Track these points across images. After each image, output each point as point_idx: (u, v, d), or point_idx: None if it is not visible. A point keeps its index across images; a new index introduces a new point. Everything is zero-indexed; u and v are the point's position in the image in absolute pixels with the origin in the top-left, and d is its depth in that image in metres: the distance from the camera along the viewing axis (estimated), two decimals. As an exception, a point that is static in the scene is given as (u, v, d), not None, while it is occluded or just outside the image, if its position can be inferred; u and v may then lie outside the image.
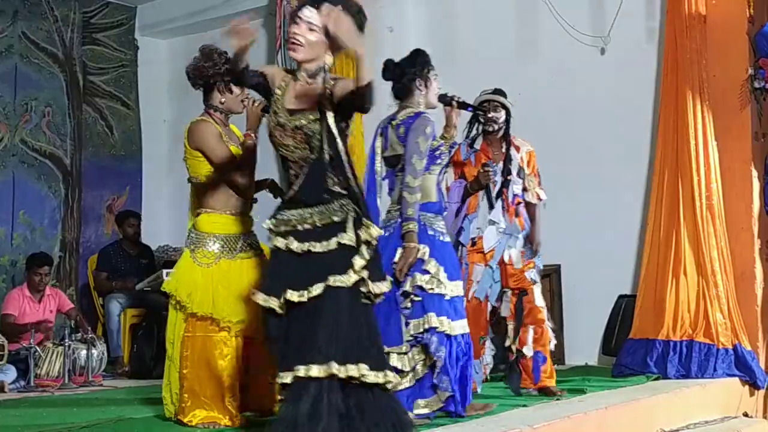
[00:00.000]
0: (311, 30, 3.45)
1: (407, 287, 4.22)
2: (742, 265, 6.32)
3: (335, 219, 3.40)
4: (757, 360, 6.12)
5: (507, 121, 5.37)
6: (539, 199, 5.42)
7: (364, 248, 3.37)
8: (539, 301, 5.29)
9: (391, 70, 4.51)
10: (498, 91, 5.41)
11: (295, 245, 3.41)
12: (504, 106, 5.36)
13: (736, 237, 6.30)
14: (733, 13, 6.43)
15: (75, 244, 8.53)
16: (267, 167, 4.30)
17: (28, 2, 8.32)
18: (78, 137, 8.64)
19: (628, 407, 4.94)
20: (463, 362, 4.28)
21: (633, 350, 6.22)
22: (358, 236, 3.37)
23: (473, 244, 5.24)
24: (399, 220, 4.29)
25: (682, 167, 6.30)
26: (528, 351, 5.21)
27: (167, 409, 4.27)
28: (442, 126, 4.66)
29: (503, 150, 5.36)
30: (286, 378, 3.26)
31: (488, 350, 5.34)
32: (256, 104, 4.24)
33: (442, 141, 4.49)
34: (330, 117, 3.41)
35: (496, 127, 5.35)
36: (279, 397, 3.49)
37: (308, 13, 3.44)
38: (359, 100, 3.30)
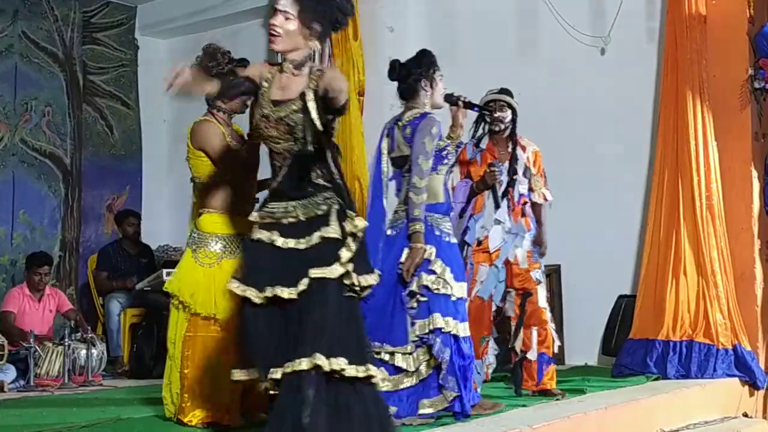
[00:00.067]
0: (287, 19, 3.41)
1: (413, 287, 4.23)
2: (742, 265, 6.32)
3: (318, 212, 3.37)
4: (757, 360, 6.12)
5: (513, 120, 5.37)
6: (545, 199, 5.42)
7: (350, 240, 3.34)
8: (543, 302, 5.28)
9: (397, 70, 4.51)
10: (504, 91, 5.40)
11: (280, 241, 3.39)
12: (510, 106, 5.35)
13: (736, 237, 6.30)
14: (733, 14, 6.43)
15: (75, 244, 8.53)
16: (269, 167, 4.30)
17: (29, 2, 8.32)
18: (78, 137, 8.64)
19: (628, 407, 4.94)
20: (466, 363, 4.29)
21: (633, 350, 6.22)
22: (343, 228, 3.33)
23: (479, 243, 5.24)
24: (406, 220, 4.31)
25: (682, 167, 6.30)
26: (532, 354, 5.20)
27: (167, 409, 4.27)
28: (449, 126, 4.66)
29: (509, 150, 5.36)
30: (276, 374, 3.24)
31: (491, 350, 5.33)
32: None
33: (449, 141, 4.50)
34: (313, 109, 3.37)
35: (503, 126, 5.35)
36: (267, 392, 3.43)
37: (283, 2, 3.41)
38: (331, 104, 3.28)
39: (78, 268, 8.51)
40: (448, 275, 4.28)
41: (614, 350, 6.55)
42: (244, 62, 4.37)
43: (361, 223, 3.37)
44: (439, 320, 4.20)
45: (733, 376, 5.97)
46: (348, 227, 3.35)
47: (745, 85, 6.36)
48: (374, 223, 4.38)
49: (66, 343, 6.35)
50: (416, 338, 4.23)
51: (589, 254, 6.74)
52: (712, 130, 6.31)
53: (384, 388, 4.19)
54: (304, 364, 3.16)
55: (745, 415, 5.98)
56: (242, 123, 4.44)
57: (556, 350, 5.36)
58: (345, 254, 3.30)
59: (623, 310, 6.70)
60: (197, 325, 4.12)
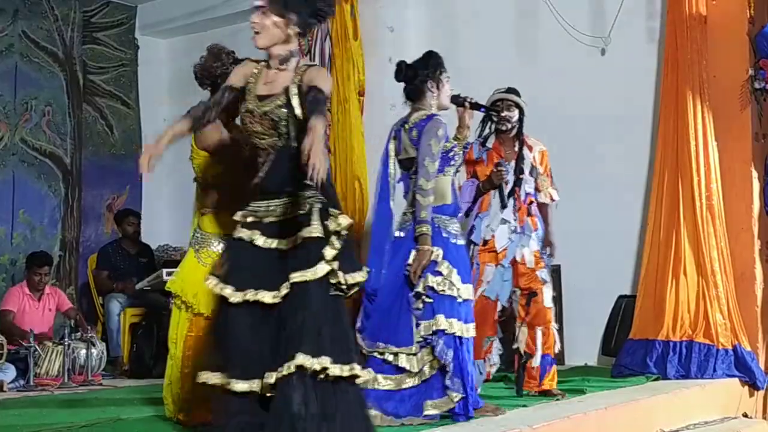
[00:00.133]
0: (264, 14, 3.40)
1: (419, 288, 4.24)
2: (742, 265, 6.32)
3: (300, 211, 3.32)
4: (757, 361, 6.12)
5: (520, 120, 5.37)
6: (552, 199, 5.41)
7: (334, 238, 3.30)
8: (548, 302, 5.27)
9: (403, 71, 4.52)
10: (511, 90, 5.40)
11: (261, 240, 3.36)
12: (518, 105, 5.35)
13: (736, 237, 6.30)
14: (733, 14, 6.43)
15: (75, 244, 8.53)
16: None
17: (29, 1, 8.32)
18: (78, 136, 8.64)
19: (628, 407, 4.94)
20: (469, 365, 4.30)
21: (633, 350, 6.22)
22: (325, 227, 3.29)
23: (485, 243, 5.23)
24: (413, 222, 4.32)
25: (683, 167, 6.30)
26: (537, 356, 5.20)
27: (167, 409, 4.27)
28: (455, 127, 4.67)
29: (515, 149, 5.35)
30: (271, 378, 3.22)
31: (495, 350, 5.32)
32: None
33: (455, 142, 4.51)
34: (297, 104, 3.34)
35: (510, 126, 5.34)
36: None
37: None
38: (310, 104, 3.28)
39: (78, 268, 8.50)
40: (455, 277, 4.29)
41: (614, 350, 6.55)
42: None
43: (344, 221, 3.34)
44: (442, 321, 4.21)
45: (733, 376, 5.97)
46: (331, 225, 3.31)
47: (746, 86, 6.36)
48: (380, 225, 4.41)
49: (66, 343, 6.36)
50: (421, 339, 4.24)
51: (589, 254, 6.74)
52: (713, 131, 6.31)
53: (386, 387, 4.20)
54: (292, 366, 3.15)
55: (745, 415, 5.98)
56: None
57: (557, 351, 5.36)
58: (329, 252, 3.27)
59: (623, 310, 6.70)
60: (199, 325, 4.12)
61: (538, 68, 7.12)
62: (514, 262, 5.21)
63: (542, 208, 5.40)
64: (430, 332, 4.22)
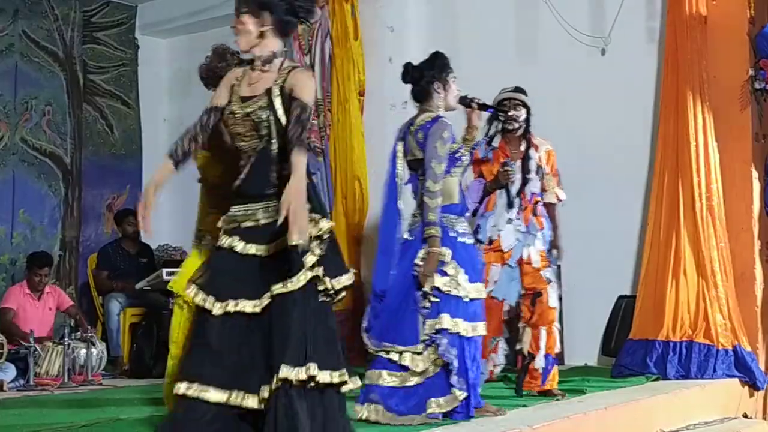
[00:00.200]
0: (240, 16, 3.38)
1: (426, 288, 4.24)
2: (742, 265, 6.32)
3: (278, 217, 3.20)
4: (757, 361, 6.12)
5: (527, 119, 5.37)
6: (558, 199, 5.41)
7: (314, 244, 3.23)
8: (553, 302, 5.27)
9: (410, 73, 4.52)
10: (518, 89, 5.40)
11: (239, 246, 3.31)
12: (525, 104, 5.35)
13: (736, 238, 6.30)
14: (733, 14, 6.42)
15: (75, 243, 8.53)
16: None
17: (29, 1, 8.32)
18: (78, 136, 8.64)
19: (628, 408, 4.94)
20: (474, 365, 4.31)
21: (633, 351, 6.22)
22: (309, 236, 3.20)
23: (490, 243, 5.23)
24: (421, 224, 4.33)
25: (683, 168, 6.30)
26: (540, 356, 5.20)
27: (168, 409, 4.26)
28: (463, 128, 4.67)
29: (521, 148, 5.35)
30: (264, 392, 3.18)
31: (501, 350, 5.31)
32: None
33: (462, 144, 4.52)
34: (279, 106, 3.30)
35: (517, 125, 5.35)
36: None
37: (236, 2, 3.41)
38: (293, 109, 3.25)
39: (78, 268, 8.51)
40: (462, 277, 4.30)
41: (614, 350, 6.55)
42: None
43: (325, 224, 3.27)
44: (446, 321, 4.22)
45: (733, 376, 5.97)
46: (312, 231, 3.23)
47: (746, 86, 6.36)
48: (388, 225, 4.42)
49: (66, 343, 6.36)
50: (426, 337, 4.25)
51: (589, 254, 6.73)
52: (713, 131, 6.31)
53: (390, 384, 4.22)
54: (277, 380, 3.11)
55: (745, 415, 5.98)
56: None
57: (557, 351, 5.36)
58: (309, 260, 3.22)
59: (623, 310, 6.70)
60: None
61: (538, 68, 7.12)
62: (520, 262, 5.21)
63: (549, 208, 5.39)
64: (434, 331, 4.23)
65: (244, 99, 3.37)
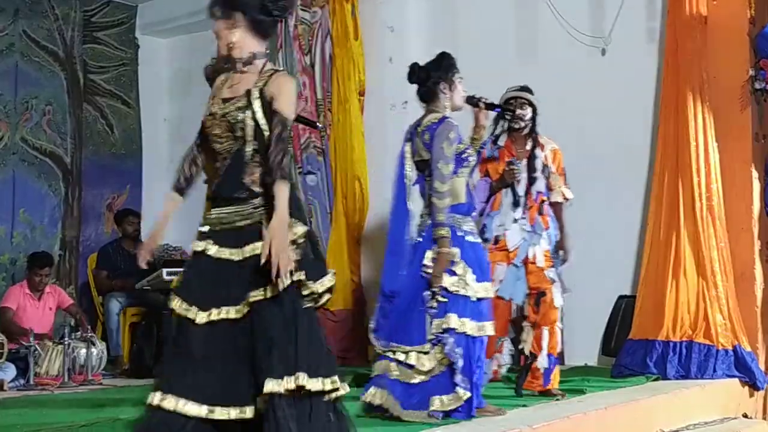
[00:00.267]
0: (216, 20, 3.34)
1: (436, 288, 4.25)
2: (742, 265, 6.32)
3: (249, 222, 3.20)
4: (757, 361, 6.12)
5: (533, 118, 5.37)
6: (565, 198, 5.40)
7: (290, 249, 3.13)
8: (557, 301, 5.27)
9: (416, 73, 4.53)
10: (524, 88, 5.40)
11: (213, 250, 3.24)
12: (531, 103, 5.35)
13: (736, 238, 6.30)
14: (733, 14, 6.42)
15: (75, 243, 8.53)
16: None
17: (29, 1, 8.32)
18: (78, 136, 8.64)
19: (628, 408, 4.94)
20: (478, 365, 4.32)
21: (633, 351, 6.22)
22: None
23: (496, 242, 5.23)
24: (428, 223, 4.34)
25: (683, 168, 6.30)
26: (543, 356, 5.20)
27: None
28: (471, 127, 4.67)
29: (527, 147, 5.35)
30: (259, 402, 3.13)
31: (506, 350, 5.31)
32: None
33: (468, 144, 4.52)
34: (258, 108, 3.24)
35: (523, 124, 5.35)
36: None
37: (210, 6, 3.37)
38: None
39: (78, 267, 8.50)
40: (470, 276, 4.32)
41: (614, 350, 6.55)
42: None
43: (300, 229, 3.19)
44: (453, 320, 4.23)
45: (733, 376, 5.97)
46: (288, 235, 3.13)
47: (746, 86, 6.35)
48: (397, 226, 4.44)
49: (66, 342, 6.36)
50: (432, 336, 4.26)
51: (589, 254, 6.73)
52: (713, 131, 6.31)
53: (395, 377, 4.24)
54: (265, 394, 3.05)
55: (745, 415, 5.98)
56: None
57: (559, 351, 5.36)
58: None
59: (623, 310, 6.70)
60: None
61: (538, 68, 7.11)
62: (525, 262, 5.21)
63: (556, 207, 5.39)
64: (441, 330, 4.24)
65: (225, 101, 3.33)
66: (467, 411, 4.25)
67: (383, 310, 4.38)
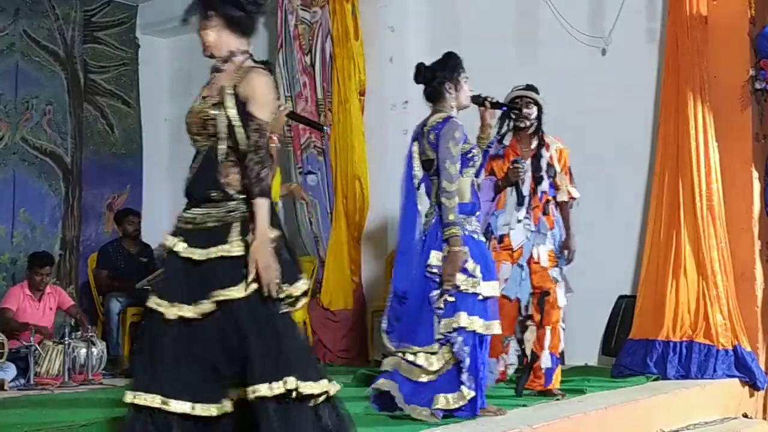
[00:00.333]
0: (196, 23, 3.33)
1: (448, 287, 4.25)
2: (742, 265, 6.32)
3: (218, 224, 3.14)
4: (757, 361, 6.12)
5: (539, 117, 5.36)
6: (572, 197, 5.40)
7: None
8: (561, 301, 5.27)
9: (422, 73, 4.54)
10: (530, 87, 5.40)
11: (180, 247, 3.18)
12: (536, 102, 5.35)
13: (736, 238, 6.30)
14: (734, 14, 6.42)
15: (75, 243, 8.53)
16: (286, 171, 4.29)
17: (30, 0, 8.32)
18: (79, 135, 8.64)
19: (628, 407, 4.94)
20: (484, 364, 4.34)
21: (633, 351, 6.22)
22: (246, 243, 3.08)
23: (500, 241, 5.23)
24: (433, 223, 4.36)
25: (683, 168, 6.30)
26: (546, 356, 5.19)
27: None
28: (478, 127, 4.68)
29: (532, 147, 5.35)
30: (227, 405, 3.10)
31: (512, 350, 5.31)
32: (281, 108, 4.23)
33: (474, 143, 4.53)
34: (231, 106, 3.17)
35: (528, 123, 5.35)
36: None
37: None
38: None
39: (78, 267, 8.51)
40: (478, 274, 4.33)
41: (614, 350, 6.55)
42: (267, 64, 4.35)
43: (272, 233, 3.13)
44: (463, 319, 4.24)
45: (733, 376, 5.97)
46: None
47: (746, 86, 6.35)
48: (407, 226, 4.45)
49: (66, 342, 6.36)
50: (441, 336, 4.26)
51: (589, 254, 6.72)
52: (713, 131, 6.31)
53: (404, 374, 4.27)
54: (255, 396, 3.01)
55: (745, 415, 5.98)
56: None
57: (561, 351, 5.36)
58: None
59: (623, 310, 6.70)
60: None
61: (539, 68, 7.11)
62: (529, 261, 5.21)
63: (562, 207, 5.38)
64: (450, 329, 4.24)
65: (203, 98, 3.30)
66: (471, 410, 4.26)
67: (394, 311, 4.40)
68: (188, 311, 3.11)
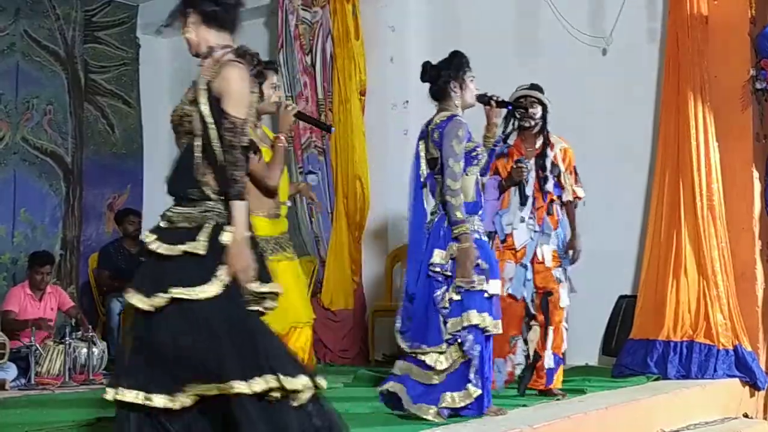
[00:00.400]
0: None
1: (463, 283, 4.25)
2: (743, 265, 6.32)
3: (192, 225, 3.10)
4: (758, 361, 6.12)
5: (544, 117, 5.36)
6: (577, 197, 5.40)
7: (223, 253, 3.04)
8: (563, 301, 5.26)
9: (427, 72, 4.55)
10: (534, 87, 5.40)
11: (154, 245, 3.12)
12: (541, 102, 5.35)
13: (736, 237, 6.30)
14: (734, 14, 6.42)
15: (76, 243, 8.53)
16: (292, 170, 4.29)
17: (30, 0, 8.33)
18: (79, 135, 8.64)
19: (629, 407, 4.94)
20: (490, 362, 4.34)
21: (633, 350, 6.22)
22: (213, 244, 3.04)
23: (503, 240, 5.23)
24: (436, 221, 4.37)
25: (683, 168, 6.30)
26: (548, 356, 5.20)
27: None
28: (484, 126, 4.69)
29: (536, 146, 5.35)
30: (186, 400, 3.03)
31: (520, 350, 5.31)
32: (288, 107, 4.24)
33: (478, 142, 4.53)
34: (203, 100, 3.12)
35: (533, 122, 5.34)
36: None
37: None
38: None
39: (79, 267, 8.51)
40: (485, 266, 4.34)
41: (615, 350, 6.55)
42: (272, 65, 4.35)
43: (248, 234, 3.09)
44: (474, 316, 4.24)
45: (734, 376, 5.97)
46: (222, 238, 3.06)
47: (747, 86, 6.35)
48: (416, 226, 4.45)
49: (67, 342, 6.36)
50: (449, 336, 4.26)
51: (589, 254, 6.71)
52: (714, 131, 6.31)
53: (416, 378, 4.29)
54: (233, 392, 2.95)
55: (746, 415, 5.98)
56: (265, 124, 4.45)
57: (563, 351, 5.36)
58: (222, 270, 3.03)
59: (624, 310, 6.70)
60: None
61: (539, 68, 7.11)
62: (533, 261, 5.21)
63: (568, 207, 5.38)
64: (458, 328, 4.24)
65: (186, 95, 3.28)
66: (478, 408, 4.27)
67: (407, 310, 4.41)
68: (141, 302, 3.06)
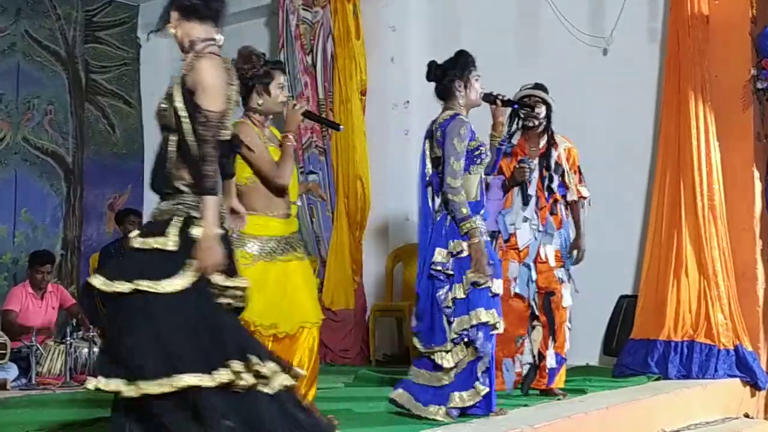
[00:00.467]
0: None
1: (481, 280, 4.26)
2: (744, 265, 6.31)
3: (166, 218, 3.09)
4: (759, 361, 6.12)
5: (548, 116, 5.36)
6: (581, 196, 5.39)
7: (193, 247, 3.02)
8: (566, 301, 5.26)
9: (433, 71, 4.56)
10: (539, 86, 5.39)
11: (137, 242, 3.14)
12: (545, 102, 5.35)
13: (737, 237, 6.29)
14: (735, 14, 6.42)
15: (76, 243, 8.55)
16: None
17: (31, 0, 8.33)
18: (80, 135, 8.65)
19: (629, 407, 4.94)
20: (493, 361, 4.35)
21: (634, 350, 6.22)
22: (184, 240, 3.02)
23: (506, 240, 5.23)
24: (438, 220, 4.37)
25: (684, 167, 6.30)
26: (551, 356, 5.20)
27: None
28: (490, 125, 4.70)
29: (540, 146, 5.34)
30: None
31: (527, 350, 5.30)
32: (296, 107, 4.24)
33: (482, 142, 4.53)
34: (177, 94, 3.10)
35: (537, 122, 5.34)
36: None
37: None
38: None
39: (79, 267, 8.52)
40: (492, 261, 4.34)
41: (615, 350, 6.55)
42: (279, 64, 4.35)
43: (196, 231, 3.05)
44: (483, 314, 4.23)
45: (735, 376, 5.97)
46: (192, 232, 3.04)
47: (748, 86, 6.35)
48: (424, 226, 4.46)
49: (68, 342, 6.36)
50: (455, 335, 4.25)
51: (590, 254, 6.71)
52: (714, 131, 6.31)
53: (425, 383, 4.29)
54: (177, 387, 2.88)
55: (747, 415, 5.98)
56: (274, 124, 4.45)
57: (566, 351, 5.36)
58: (190, 265, 3.01)
59: (624, 310, 6.70)
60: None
61: (540, 68, 7.11)
62: (536, 261, 5.21)
63: (573, 206, 5.38)
64: (467, 327, 4.23)
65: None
66: (486, 406, 4.27)
67: (417, 310, 4.41)
68: (100, 283, 3.07)
